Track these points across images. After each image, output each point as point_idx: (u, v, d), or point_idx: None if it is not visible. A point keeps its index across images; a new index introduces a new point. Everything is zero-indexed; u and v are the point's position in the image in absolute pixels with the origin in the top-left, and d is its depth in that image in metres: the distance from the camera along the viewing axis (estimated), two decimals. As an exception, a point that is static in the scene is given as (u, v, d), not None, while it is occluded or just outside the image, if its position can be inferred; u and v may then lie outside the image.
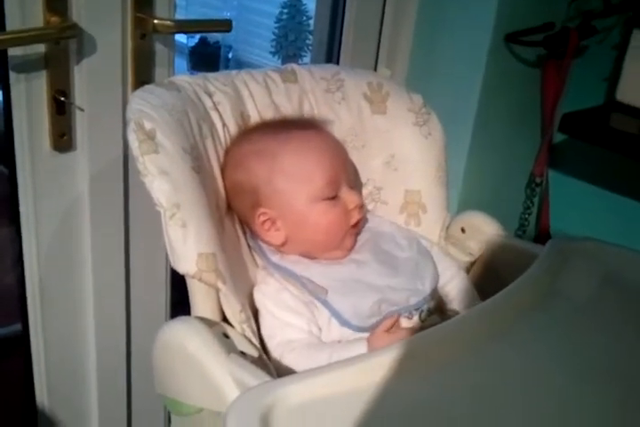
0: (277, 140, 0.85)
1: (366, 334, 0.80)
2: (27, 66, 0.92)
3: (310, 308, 0.82)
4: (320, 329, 0.82)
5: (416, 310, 0.84)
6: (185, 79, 0.86)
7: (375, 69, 1.38)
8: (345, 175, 0.87)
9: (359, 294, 0.83)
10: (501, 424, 0.63)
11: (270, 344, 0.81)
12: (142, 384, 1.19)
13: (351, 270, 0.85)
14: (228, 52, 2.52)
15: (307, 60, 1.91)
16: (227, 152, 0.87)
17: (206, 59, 2.44)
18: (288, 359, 0.79)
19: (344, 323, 0.81)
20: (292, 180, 0.84)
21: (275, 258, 0.86)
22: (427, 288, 0.86)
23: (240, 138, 0.88)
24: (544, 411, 0.64)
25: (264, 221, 0.85)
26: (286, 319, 0.81)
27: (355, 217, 0.87)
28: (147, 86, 0.82)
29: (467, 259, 0.97)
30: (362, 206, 0.88)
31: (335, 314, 0.81)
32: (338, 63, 1.35)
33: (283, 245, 0.86)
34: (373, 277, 0.84)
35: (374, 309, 0.82)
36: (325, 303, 0.82)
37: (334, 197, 0.85)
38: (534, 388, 0.67)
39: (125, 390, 1.19)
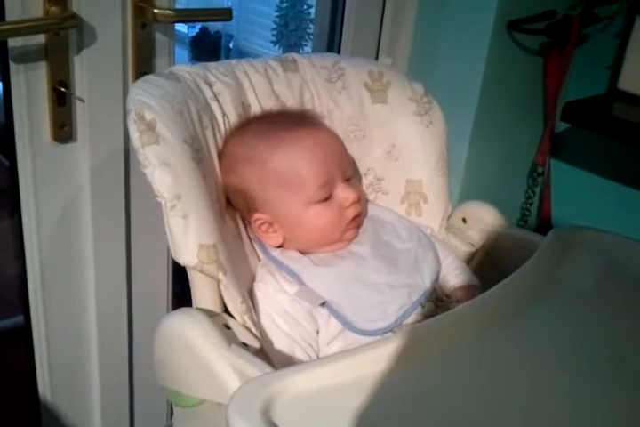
0: (269, 144, 0.84)
1: (370, 339, 0.79)
2: (27, 57, 0.91)
3: (308, 309, 0.81)
4: (317, 335, 0.81)
5: (418, 304, 0.84)
6: (185, 69, 0.86)
7: (376, 58, 1.38)
8: (340, 171, 0.86)
9: (360, 296, 0.82)
10: (501, 415, 0.63)
11: (266, 339, 0.80)
12: (144, 376, 1.20)
13: (350, 269, 0.84)
14: (229, 42, 2.51)
15: (308, 49, 1.90)
16: (222, 148, 0.86)
17: (207, 49, 2.42)
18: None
19: (347, 325, 0.80)
20: (283, 186, 0.83)
21: (275, 253, 0.86)
22: (426, 282, 0.86)
23: (234, 135, 0.87)
24: (544, 402, 0.64)
25: (261, 225, 0.85)
26: (279, 323, 0.80)
27: (351, 213, 0.86)
28: (147, 77, 0.82)
29: (468, 249, 0.97)
30: (359, 201, 0.87)
31: (338, 317, 0.81)
32: (339, 52, 1.35)
33: (281, 244, 0.86)
34: (372, 275, 0.84)
35: (377, 312, 0.81)
36: (326, 306, 0.81)
37: (328, 197, 0.85)
38: (535, 379, 0.67)
39: (127, 381, 1.20)
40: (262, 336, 0.79)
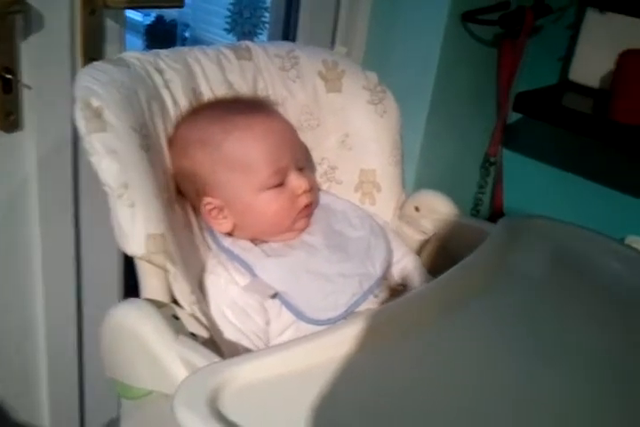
0: (223, 128, 0.83)
1: (320, 328, 0.78)
2: (-30, 42, 0.89)
3: (260, 300, 0.81)
4: (266, 327, 0.81)
5: (369, 295, 0.84)
6: (135, 56, 0.84)
7: (332, 47, 1.37)
8: (293, 159, 0.85)
9: (311, 287, 0.82)
10: (455, 399, 0.63)
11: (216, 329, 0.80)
12: (94, 367, 1.18)
13: (302, 260, 0.84)
14: (185, 31, 2.48)
15: (263, 37, 1.89)
16: (174, 133, 0.85)
17: (162, 37, 2.39)
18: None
19: (299, 315, 0.81)
20: (235, 171, 0.83)
21: (226, 242, 0.85)
22: (377, 271, 0.86)
23: (187, 120, 0.86)
24: (497, 385, 0.65)
25: (210, 210, 0.85)
26: (229, 316, 0.80)
27: (303, 202, 0.86)
28: (95, 63, 0.80)
29: (420, 237, 0.97)
30: (311, 190, 0.87)
31: (289, 306, 0.81)
32: (294, 41, 1.34)
33: (231, 232, 0.86)
34: (324, 265, 0.84)
35: (329, 302, 0.81)
36: (277, 297, 0.81)
37: (281, 184, 0.84)
38: (486, 363, 0.68)
39: (77, 372, 1.18)
40: (212, 327, 0.78)
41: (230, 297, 0.81)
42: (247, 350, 0.78)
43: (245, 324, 0.80)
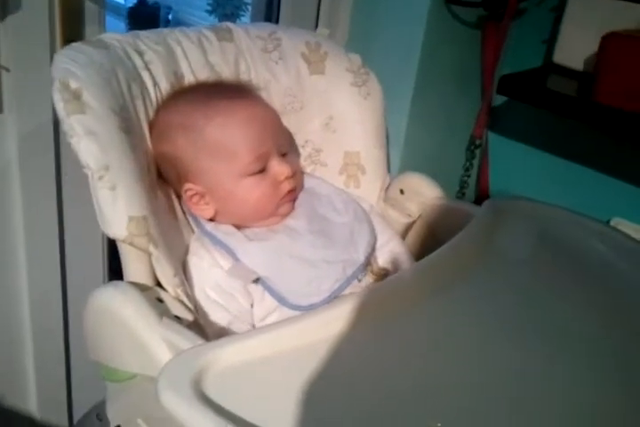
0: (205, 113, 0.82)
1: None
2: (-54, 23, 0.87)
3: (243, 284, 0.80)
4: (251, 309, 0.81)
5: (353, 279, 0.84)
6: (114, 37, 0.83)
7: (315, 30, 1.36)
8: (275, 145, 0.85)
9: (294, 272, 0.81)
10: (441, 382, 0.63)
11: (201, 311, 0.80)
12: (81, 351, 1.17)
13: (284, 244, 0.83)
14: (168, 14, 2.44)
15: (246, 19, 1.87)
16: (155, 116, 0.84)
17: (145, 20, 2.35)
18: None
19: (281, 301, 0.80)
20: (217, 156, 0.82)
21: (208, 227, 0.84)
22: (361, 256, 0.85)
23: (168, 104, 0.85)
24: (487, 365, 0.65)
25: (192, 196, 0.84)
26: (212, 297, 0.79)
27: (285, 188, 0.85)
28: (73, 44, 0.79)
29: (405, 220, 0.97)
30: (294, 175, 0.86)
31: (271, 292, 0.80)
32: (277, 23, 1.33)
33: (213, 217, 0.85)
34: (307, 251, 0.83)
35: (312, 287, 0.81)
36: (260, 282, 0.80)
37: (262, 171, 0.84)
38: (477, 343, 0.68)
39: (64, 357, 1.17)
40: (197, 309, 0.78)
41: (214, 280, 0.80)
42: (232, 331, 0.78)
43: (230, 304, 0.79)
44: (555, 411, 0.61)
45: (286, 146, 0.88)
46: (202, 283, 0.80)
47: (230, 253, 0.81)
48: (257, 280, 0.80)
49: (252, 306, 0.81)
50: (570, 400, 0.63)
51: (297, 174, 0.88)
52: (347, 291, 0.83)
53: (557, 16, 1.32)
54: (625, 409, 0.62)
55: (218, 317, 0.79)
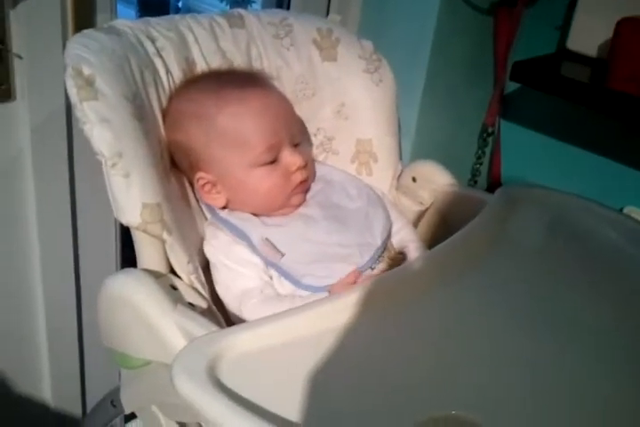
0: (217, 102, 0.82)
1: (320, 295, 0.78)
2: (-41, 11, 0.87)
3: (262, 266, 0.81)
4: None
5: (370, 265, 0.83)
6: (126, 24, 0.82)
7: (326, 17, 1.35)
8: (287, 135, 0.84)
9: (309, 255, 0.81)
10: (453, 369, 0.63)
11: (227, 298, 0.80)
12: (94, 338, 1.18)
13: (299, 229, 0.83)
14: (178, 1, 2.44)
15: (257, 6, 1.86)
16: (167, 104, 0.84)
17: (155, 8, 2.35)
18: (247, 311, 0.78)
19: (296, 283, 0.80)
20: (229, 146, 0.82)
21: (223, 213, 0.85)
22: (377, 240, 0.85)
23: (181, 92, 0.84)
24: (497, 353, 0.65)
25: (204, 184, 0.84)
26: (240, 270, 0.80)
27: (297, 178, 0.85)
28: (85, 31, 0.78)
29: (418, 208, 0.97)
30: (306, 166, 0.85)
31: (285, 275, 0.80)
32: (288, 9, 1.32)
33: (225, 206, 0.85)
34: (322, 236, 0.83)
35: (328, 270, 0.81)
36: (274, 266, 0.81)
37: (274, 161, 0.83)
38: (488, 331, 0.68)
39: (77, 342, 1.18)
40: (219, 289, 0.79)
41: (237, 254, 0.81)
42: (262, 298, 0.79)
43: (258, 274, 0.80)
44: (564, 401, 0.61)
45: (299, 136, 0.88)
46: (225, 260, 0.81)
47: (245, 238, 0.81)
48: (274, 265, 0.81)
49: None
50: (579, 391, 0.62)
51: (309, 165, 0.88)
52: (363, 275, 0.82)
53: (571, 1, 1.30)
54: (636, 401, 0.62)
55: (247, 285, 0.79)
